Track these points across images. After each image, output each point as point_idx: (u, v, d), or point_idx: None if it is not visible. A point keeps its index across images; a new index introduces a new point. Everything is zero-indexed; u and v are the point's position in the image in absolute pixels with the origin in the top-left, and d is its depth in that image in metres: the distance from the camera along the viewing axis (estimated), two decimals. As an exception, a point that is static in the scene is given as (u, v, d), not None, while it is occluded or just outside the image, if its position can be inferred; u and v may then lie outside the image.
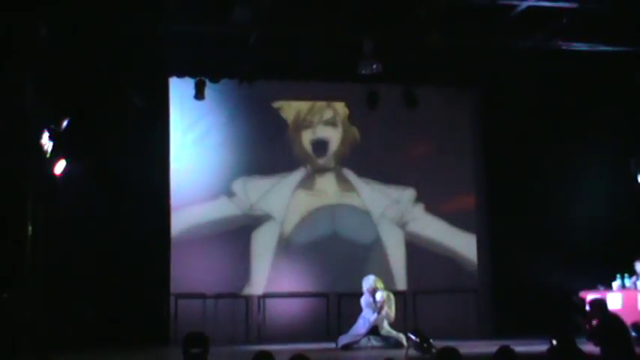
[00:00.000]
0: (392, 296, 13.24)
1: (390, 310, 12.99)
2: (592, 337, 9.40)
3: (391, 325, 12.96)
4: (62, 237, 13.24)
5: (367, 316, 12.86)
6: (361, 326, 12.91)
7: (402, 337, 12.51)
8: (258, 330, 15.03)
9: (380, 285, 13.08)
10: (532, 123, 15.67)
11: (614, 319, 9.48)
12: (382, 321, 12.80)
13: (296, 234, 15.68)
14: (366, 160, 16.09)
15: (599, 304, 9.75)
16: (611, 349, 8.96)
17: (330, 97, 16.09)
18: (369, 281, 13.11)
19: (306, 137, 16.04)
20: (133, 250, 14.19)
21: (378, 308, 12.81)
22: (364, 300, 13.01)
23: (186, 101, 14.91)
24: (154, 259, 14.61)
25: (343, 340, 12.89)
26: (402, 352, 11.42)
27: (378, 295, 12.86)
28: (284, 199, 15.73)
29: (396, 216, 16.08)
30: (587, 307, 9.92)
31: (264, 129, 15.80)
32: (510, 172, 16.01)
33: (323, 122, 16.15)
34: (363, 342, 12.79)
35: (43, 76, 12.06)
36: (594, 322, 9.61)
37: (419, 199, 16.19)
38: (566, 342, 7.06)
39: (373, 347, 12.70)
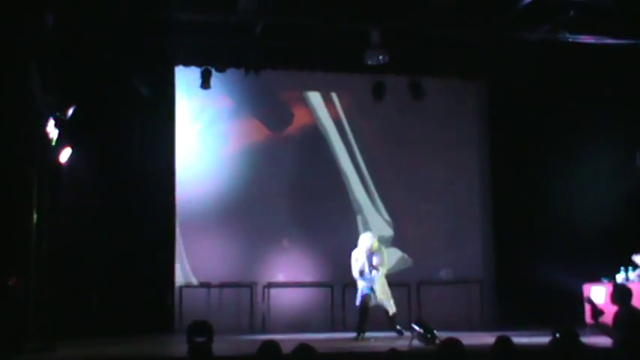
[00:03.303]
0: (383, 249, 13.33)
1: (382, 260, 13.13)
2: (606, 329, 9.11)
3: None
4: (67, 225, 13.27)
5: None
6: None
7: (385, 303, 12.88)
8: (263, 319, 15.07)
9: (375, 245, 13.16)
10: (537, 115, 15.67)
11: (636, 311, 9.05)
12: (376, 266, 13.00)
13: (303, 223, 15.71)
14: (373, 151, 16.09)
15: (623, 291, 9.19)
16: (627, 341, 8.72)
17: (336, 88, 16.07)
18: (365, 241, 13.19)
19: (312, 127, 16.02)
20: (137, 240, 14.22)
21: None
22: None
23: (193, 90, 14.93)
24: (159, 248, 14.62)
25: (358, 301, 13.07)
26: (405, 343, 11.43)
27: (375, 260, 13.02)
28: (289, 189, 15.75)
29: (400, 206, 16.10)
30: (611, 292, 9.52)
31: (271, 118, 15.81)
32: (515, 164, 16.02)
33: (329, 113, 16.12)
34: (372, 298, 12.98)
35: (49, 64, 12.07)
36: (614, 309, 9.25)
37: (424, 190, 16.20)
38: (570, 335, 7.05)
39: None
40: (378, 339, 12.72)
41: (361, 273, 12.88)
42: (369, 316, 12.91)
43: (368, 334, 12.90)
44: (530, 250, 15.34)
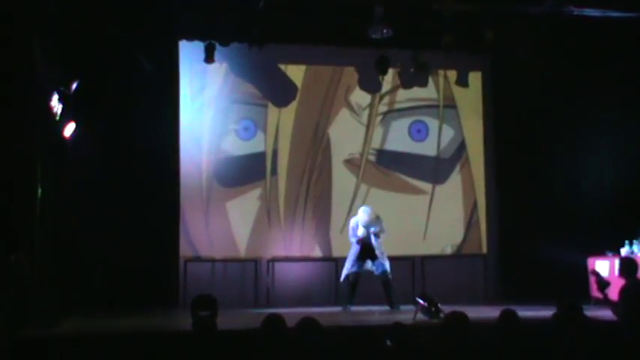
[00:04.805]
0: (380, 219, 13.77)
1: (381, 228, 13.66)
2: (610, 303, 9.11)
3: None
4: (71, 200, 13.27)
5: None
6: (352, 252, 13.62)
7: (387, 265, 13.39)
8: (267, 293, 15.10)
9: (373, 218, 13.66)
10: (542, 90, 15.59)
11: None
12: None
13: (306, 198, 15.71)
14: (376, 125, 16.08)
15: (630, 264, 9.22)
16: (633, 314, 8.70)
17: (339, 62, 16.03)
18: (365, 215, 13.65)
19: (316, 101, 15.99)
20: (142, 214, 14.20)
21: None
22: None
23: (196, 65, 14.88)
24: (163, 222, 14.65)
25: (343, 274, 13.67)
26: (407, 317, 11.45)
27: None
28: (294, 164, 15.76)
29: (404, 180, 16.10)
30: (618, 265, 9.51)
31: (274, 92, 15.78)
32: (519, 138, 15.97)
33: (333, 87, 16.08)
34: (361, 267, 13.54)
35: (52, 38, 12.03)
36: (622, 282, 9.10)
37: (428, 164, 16.21)
38: (573, 308, 7.06)
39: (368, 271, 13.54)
40: (383, 313, 12.77)
41: (357, 240, 13.48)
42: (357, 289, 13.54)
43: (373, 308, 12.99)
44: (534, 224, 15.36)
